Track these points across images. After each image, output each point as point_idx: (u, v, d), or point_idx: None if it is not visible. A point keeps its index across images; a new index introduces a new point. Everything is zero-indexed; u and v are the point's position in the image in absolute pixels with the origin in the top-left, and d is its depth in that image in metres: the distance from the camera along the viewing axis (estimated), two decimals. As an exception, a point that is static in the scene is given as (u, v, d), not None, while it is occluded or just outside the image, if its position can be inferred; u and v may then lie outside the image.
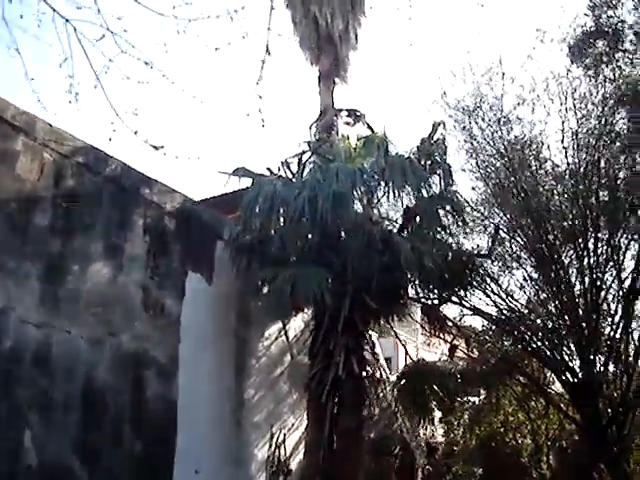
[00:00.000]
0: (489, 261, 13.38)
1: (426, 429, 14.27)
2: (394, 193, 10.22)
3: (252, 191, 10.15)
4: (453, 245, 12.21)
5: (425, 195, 10.58)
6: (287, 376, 11.92)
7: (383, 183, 10.38)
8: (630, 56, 12.03)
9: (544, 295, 14.19)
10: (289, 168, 11.15)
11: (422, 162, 11.02)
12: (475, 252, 13.02)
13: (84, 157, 8.82)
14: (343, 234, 10.33)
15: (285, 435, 11.49)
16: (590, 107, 12.81)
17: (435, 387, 11.61)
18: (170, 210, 10.03)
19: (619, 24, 11.97)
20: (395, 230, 10.90)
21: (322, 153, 11.34)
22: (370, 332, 14.08)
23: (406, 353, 12.86)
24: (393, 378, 12.82)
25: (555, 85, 13.01)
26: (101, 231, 8.89)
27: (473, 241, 13.96)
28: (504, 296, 14.26)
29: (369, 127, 12.31)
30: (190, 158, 6.38)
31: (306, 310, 11.81)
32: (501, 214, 13.86)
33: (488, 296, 14.11)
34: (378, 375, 11.11)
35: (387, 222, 10.69)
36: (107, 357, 8.59)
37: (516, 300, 14.40)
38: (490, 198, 13.82)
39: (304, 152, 11.27)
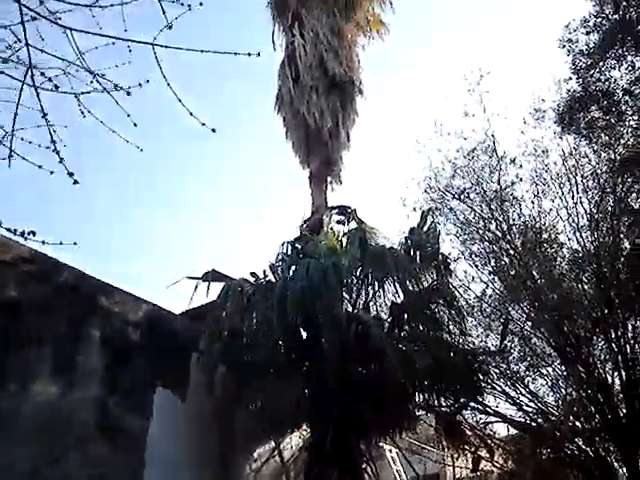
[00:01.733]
0: (502, 359, 12.09)
1: None
2: (374, 288, 9.31)
3: (221, 296, 9.38)
4: (459, 344, 11.03)
5: (415, 289, 9.62)
6: (283, 500, 10.65)
7: (363, 277, 9.49)
8: (628, 119, 11.17)
9: (578, 394, 12.69)
10: (271, 270, 10.41)
11: (412, 253, 10.13)
12: (481, 350, 11.78)
13: (30, 265, 8.28)
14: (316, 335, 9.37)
15: None
16: (599, 181, 11.85)
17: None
18: (134, 320, 9.30)
19: (611, 86, 11.18)
20: (384, 330, 9.86)
21: (306, 252, 10.58)
22: (385, 446, 12.80)
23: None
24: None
25: (559, 162, 12.17)
26: (49, 344, 8.19)
27: (487, 338, 12.74)
28: (532, 398, 12.83)
29: (360, 222, 11.58)
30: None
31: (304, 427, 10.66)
32: (516, 307, 12.65)
33: (513, 399, 12.71)
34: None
35: (373, 321, 9.67)
36: (50, 487, 7.64)
37: (546, 402, 12.92)
38: (501, 289, 12.70)
39: (284, 253, 10.54)
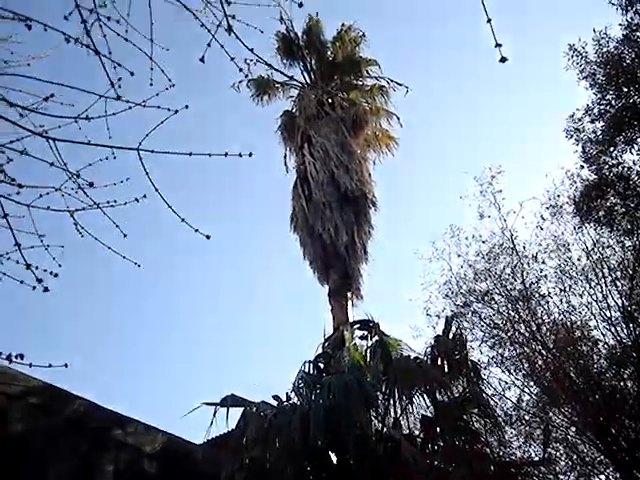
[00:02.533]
0: (547, 470, 11.22)
1: None
2: (402, 402, 8.80)
3: (241, 422, 8.92)
4: (498, 456, 10.30)
5: (445, 400, 9.10)
6: None
7: (389, 391, 9.00)
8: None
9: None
10: (294, 392, 9.96)
11: (439, 362, 9.67)
12: (524, 461, 10.96)
13: (38, 398, 7.99)
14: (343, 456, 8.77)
15: None
16: (627, 271, 11.43)
17: None
18: (150, 452, 8.83)
19: (625, 170, 10.98)
20: (417, 446, 9.23)
21: (329, 370, 10.16)
22: None
23: None
24: None
25: (583, 255, 11.81)
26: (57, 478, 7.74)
27: (530, 448, 11.87)
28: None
29: (383, 335, 11.19)
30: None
31: None
32: (557, 411, 11.87)
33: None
34: None
35: (403, 437, 9.06)
36: None
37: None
38: (538, 394, 11.97)
39: (306, 373, 10.12)
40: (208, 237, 4.68)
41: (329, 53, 17.42)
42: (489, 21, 2.76)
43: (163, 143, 4.22)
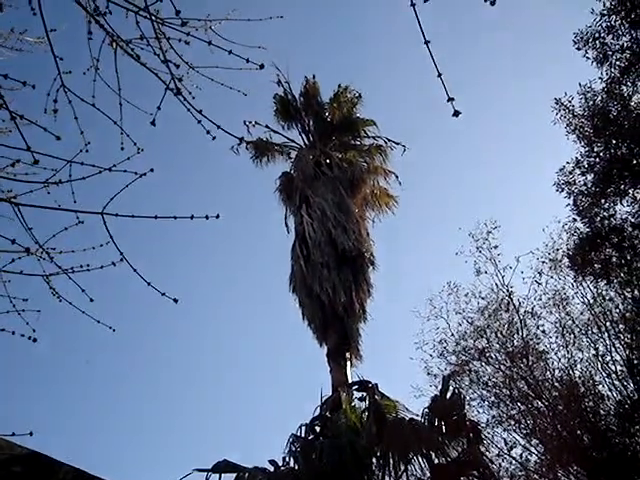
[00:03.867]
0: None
1: None
2: (396, 465, 8.56)
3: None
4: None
5: (442, 461, 8.85)
6: None
7: (383, 455, 8.77)
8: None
9: None
10: (291, 456, 9.74)
11: (436, 423, 9.45)
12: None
13: (23, 466, 7.79)
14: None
15: None
16: (630, 324, 11.22)
17: None
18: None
19: (618, 222, 10.90)
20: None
21: (325, 433, 9.96)
22: None
23: None
24: None
25: (584, 309, 11.63)
26: None
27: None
28: None
29: (382, 396, 10.99)
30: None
31: None
32: (564, 471, 11.53)
33: None
34: None
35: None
36: None
37: None
38: (543, 452, 11.64)
39: (299, 436, 9.92)
40: (176, 301, 4.66)
41: (327, 114, 17.63)
42: (439, 76, 2.76)
43: (166, 205, 4.22)
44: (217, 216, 4.61)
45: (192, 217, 4.55)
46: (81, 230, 4.38)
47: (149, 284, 4.44)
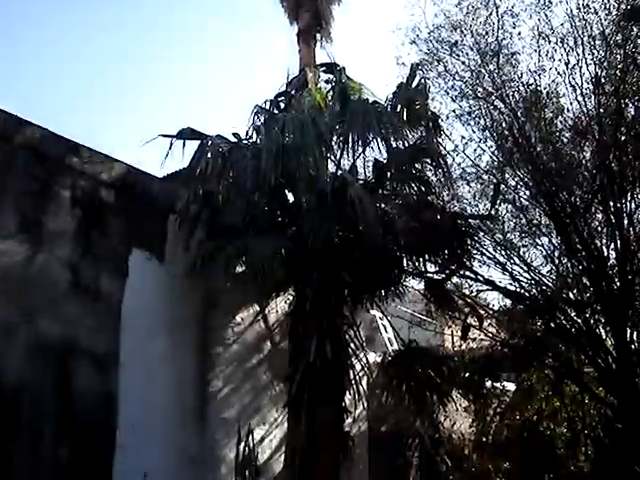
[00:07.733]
0: (494, 225, 11.72)
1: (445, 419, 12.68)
2: (354, 145, 8.80)
3: (197, 153, 8.92)
4: (447, 208, 10.63)
5: (399, 147, 9.13)
6: (268, 366, 10.62)
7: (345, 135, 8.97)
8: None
9: (572, 266, 12.38)
10: (253, 129, 9.87)
11: (399, 110, 9.52)
12: (471, 214, 11.38)
13: (-8, 124, 7.78)
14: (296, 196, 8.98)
15: (265, 432, 10.23)
16: (606, 39, 11.01)
17: (432, 373, 9.91)
18: (107, 180, 8.88)
19: None
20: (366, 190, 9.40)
21: (288, 110, 10.03)
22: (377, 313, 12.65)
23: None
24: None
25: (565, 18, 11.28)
26: (13, 204, 7.83)
27: (482, 206, 12.25)
28: (527, 269, 12.53)
29: (349, 79, 10.91)
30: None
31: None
32: (512, 172, 12.08)
33: (507, 269, 12.44)
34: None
35: (356, 181, 9.17)
36: (21, 344, 7.50)
37: (541, 273, 12.63)
38: (495, 152, 12.08)
39: (266, 111, 9.97)
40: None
41: None
42: None
43: None
44: None
45: None
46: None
47: None
